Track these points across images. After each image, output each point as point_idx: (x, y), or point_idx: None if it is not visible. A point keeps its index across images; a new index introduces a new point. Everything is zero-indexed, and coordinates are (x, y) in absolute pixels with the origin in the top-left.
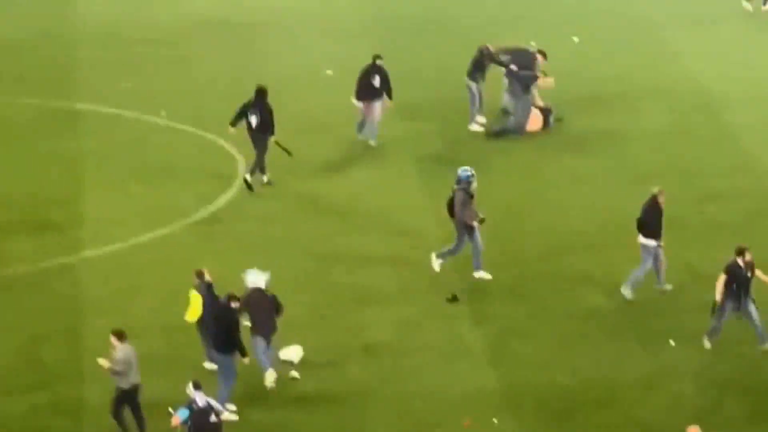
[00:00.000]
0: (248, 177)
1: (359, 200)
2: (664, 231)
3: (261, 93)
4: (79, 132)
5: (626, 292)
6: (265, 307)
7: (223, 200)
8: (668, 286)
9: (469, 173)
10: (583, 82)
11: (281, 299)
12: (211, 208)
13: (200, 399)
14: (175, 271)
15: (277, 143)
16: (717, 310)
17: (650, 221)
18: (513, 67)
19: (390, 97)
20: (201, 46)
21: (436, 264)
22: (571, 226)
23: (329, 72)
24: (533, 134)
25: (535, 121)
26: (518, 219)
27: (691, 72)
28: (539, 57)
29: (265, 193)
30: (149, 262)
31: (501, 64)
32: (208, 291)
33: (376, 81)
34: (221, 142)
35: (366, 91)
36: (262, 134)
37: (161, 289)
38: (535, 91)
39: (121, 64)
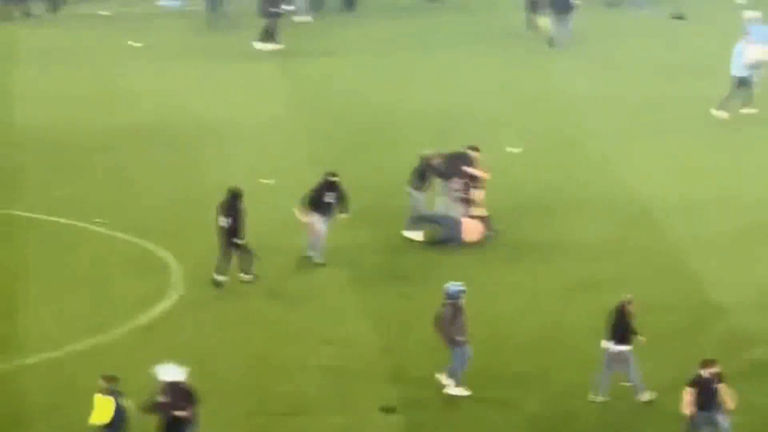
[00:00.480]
0: (217, 277)
1: (293, 310)
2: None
3: (234, 196)
4: (14, 239)
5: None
6: (183, 400)
7: (158, 308)
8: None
9: (459, 288)
10: (517, 192)
11: (216, 408)
12: (146, 316)
13: None
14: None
15: (244, 247)
16: (689, 425)
17: (620, 328)
18: (454, 185)
19: (346, 211)
20: (136, 154)
21: (453, 389)
22: (505, 335)
23: (268, 181)
24: (471, 244)
25: (473, 231)
26: None
27: (626, 182)
28: (473, 153)
29: (199, 302)
30: (85, 370)
31: (441, 175)
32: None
33: (327, 197)
34: (156, 249)
35: (316, 207)
36: (231, 237)
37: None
38: (475, 199)
39: (56, 171)
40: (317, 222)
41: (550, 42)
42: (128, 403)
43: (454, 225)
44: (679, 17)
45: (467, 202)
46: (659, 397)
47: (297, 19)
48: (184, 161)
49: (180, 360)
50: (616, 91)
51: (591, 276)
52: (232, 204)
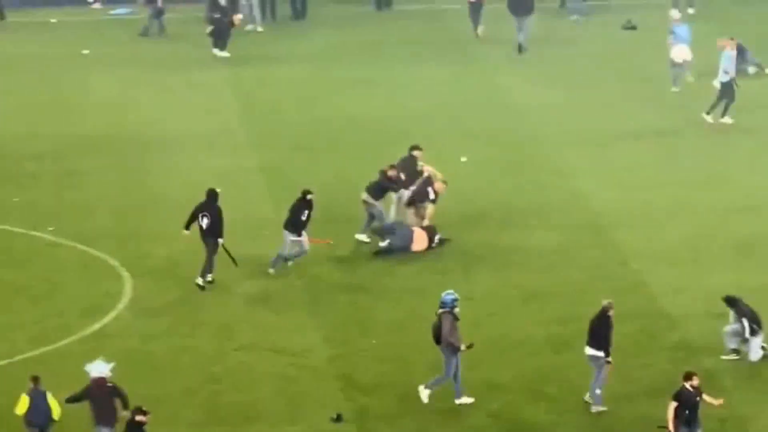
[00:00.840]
0: (200, 281)
1: (245, 318)
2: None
3: (212, 196)
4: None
5: (596, 408)
6: (106, 397)
7: (108, 316)
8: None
9: (453, 296)
10: (469, 201)
11: (167, 417)
12: (97, 324)
13: None
14: (61, 387)
15: (224, 248)
16: None
17: (599, 334)
18: (406, 193)
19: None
20: (88, 162)
21: (425, 395)
22: None
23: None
24: (419, 254)
25: (420, 241)
26: (406, 336)
27: (579, 190)
28: (417, 153)
29: (150, 310)
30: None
31: (398, 186)
32: (37, 394)
33: (304, 215)
34: (108, 259)
35: (296, 227)
36: (212, 237)
37: None
38: (425, 211)
39: (8, 179)
40: (305, 240)
41: (520, 48)
42: (52, 399)
43: (407, 235)
44: (631, 28)
45: (420, 213)
46: (613, 408)
47: (248, 27)
48: (134, 169)
49: (130, 368)
50: (568, 99)
51: (542, 286)
52: (211, 204)
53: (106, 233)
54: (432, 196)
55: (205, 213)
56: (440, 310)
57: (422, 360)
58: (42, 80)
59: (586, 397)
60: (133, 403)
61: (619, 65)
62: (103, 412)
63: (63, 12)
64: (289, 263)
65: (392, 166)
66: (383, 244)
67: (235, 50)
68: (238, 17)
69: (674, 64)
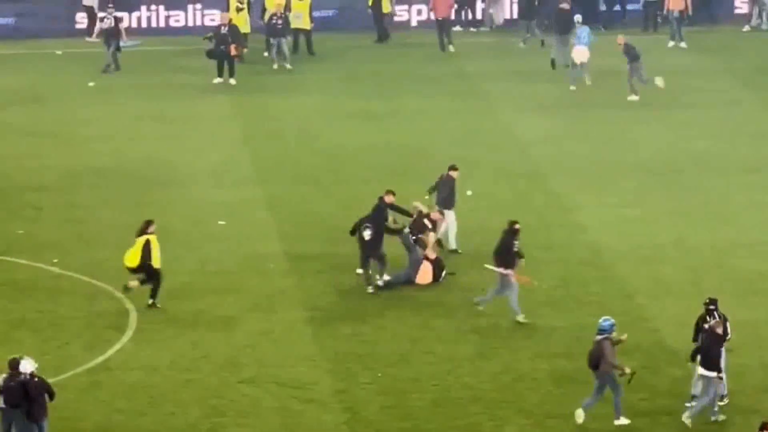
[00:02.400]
0: (379, 282)
1: (249, 351)
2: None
3: (378, 208)
4: None
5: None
6: (40, 393)
7: (113, 349)
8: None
9: (611, 322)
10: (473, 235)
11: None
12: (101, 357)
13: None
14: (62, 419)
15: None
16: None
17: (710, 353)
18: (405, 229)
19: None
20: (92, 195)
21: (581, 416)
22: (461, 380)
23: (222, 222)
24: (424, 287)
25: (425, 275)
26: (410, 369)
27: (582, 225)
28: (454, 173)
29: (154, 343)
30: None
31: (405, 212)
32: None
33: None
34: (113, 291)
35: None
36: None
37: None
38: (427, 239)
39: (12, 211)
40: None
41: (553, 63)
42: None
43: (414, 266)
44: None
45: (422, 243)
46: None
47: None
48: (138, 201)
49: (133, 401)
50: (571, 131)
51: (546, 320)
52: (375, 215)
53: (110, 265)
54: (430, 225)
55: (368, 224)
56: (598, 337)
57: (427, 394)
58: (47, 112)
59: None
60: None
61: (624, 98)
62: (37, 407)
63: (68, 44)
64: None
65: (389, 192)
66: (380, 282)
67: (237, 82)
68: (234, 47)
69: (574, 65)
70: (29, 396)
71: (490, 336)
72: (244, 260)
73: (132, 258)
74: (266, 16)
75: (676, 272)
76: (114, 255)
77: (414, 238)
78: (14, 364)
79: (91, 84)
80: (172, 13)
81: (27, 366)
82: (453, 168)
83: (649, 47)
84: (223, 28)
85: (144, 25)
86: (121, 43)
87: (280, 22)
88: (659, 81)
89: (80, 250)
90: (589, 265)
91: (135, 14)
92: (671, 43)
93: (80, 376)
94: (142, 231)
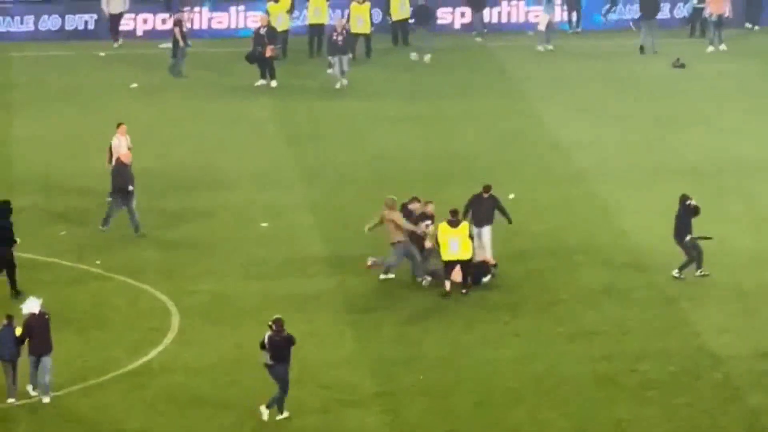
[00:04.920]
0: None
1: (292, 353)
2: None
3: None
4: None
5: None
6: (45, 328)
7: (155, 351)
8: None
9: None
10: (516, 238)
11: None
12: (143, 358)
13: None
14: (103, 422)
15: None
16: None
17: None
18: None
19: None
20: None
21: None
22: (503, 383)
23: (264, 225)
24: (460, 289)
25: (455, 274)
26: (452, 372)
27: (627, 229)
28: (486, 195)
29: (197, 345)
30: (79, 412)
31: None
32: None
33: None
34: (156, 293)
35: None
36: None
37: None
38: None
39: (56, 213)
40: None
41: (642, 49)
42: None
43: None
44: (681, 66)
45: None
46: None
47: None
48: (181, 204)
49: (174, 403)
50: (616, 135)
51: (588, 323)
52: None
53: (153, 267)
54: (430, 221)
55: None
56: None
57: (469, 396)
58: (90, 113)
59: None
60: None
61: (668, 103)
62: (43, 343)
63: (111, 45)
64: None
65: (415, 199)
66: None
67: (281, 83)
68: (271, 48)
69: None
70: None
71: (533, 339)
72: (287, 262)
73: None
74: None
75: (719, 277)
76: (158, 257)
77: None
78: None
79: (133, 86)
80: (215, 14)
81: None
82: (486, 189)
83: (693, 52)
84: (261, 29)
85: (187, 26)
86: (162, 45)
87: (340, 39)
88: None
89: (124, 252)
90: (631, 268)
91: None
92: (710, 48)
93: (123, 378)
94: None
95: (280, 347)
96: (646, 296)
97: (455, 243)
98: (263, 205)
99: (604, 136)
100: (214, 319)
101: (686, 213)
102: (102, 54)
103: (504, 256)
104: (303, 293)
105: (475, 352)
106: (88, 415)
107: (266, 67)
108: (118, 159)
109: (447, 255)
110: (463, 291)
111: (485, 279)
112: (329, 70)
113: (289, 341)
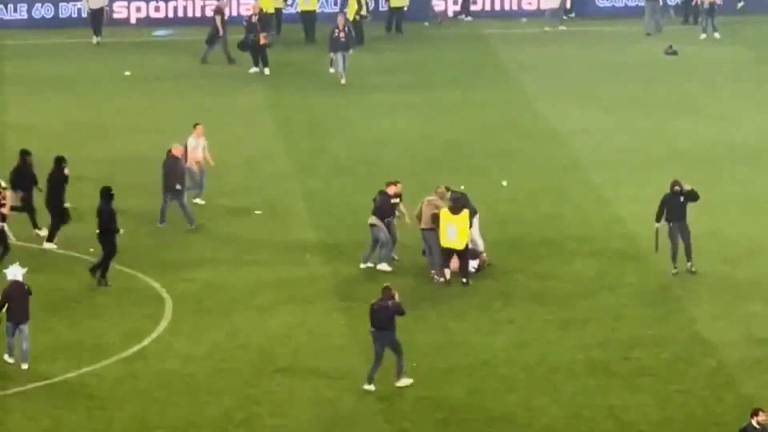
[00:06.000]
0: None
1: (284, 341)
2: None
3: None
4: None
5: None
6: (24, 297)
7: (149, 339)
8: None
9: None
10: (509, 226)
11: None
12: (137, 346)
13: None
14: (98, 408)
15: None
16: None
17: None
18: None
19: None
20: (128, 185)
21: None
22: (496, 370)
23: (258, 212)
24: (457, 277)
25: (453, 261)
26: (445, 360)
27: (620, 217)
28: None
29: (190, 333)
30: (73, 400)
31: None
32: None
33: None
34: (149, 281)
35: None
36: None
37: (84, 428)
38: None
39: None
40: None
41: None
42: None
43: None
44: (673, 53)
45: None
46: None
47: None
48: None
49: (168, 390)
50: (609, 123)
51: (581, 311)
52: None
53: (147, 256)
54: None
55: None
56: None
57: (462, 384)
58: (83, 102)
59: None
60: (171, 426)
61: (662, 89)
62: (21, 311)
63: (105, 33)
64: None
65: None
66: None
67: (272, 71)
68: (264, 36)
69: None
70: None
71: (525, 327)
72: (280, 251)
73: None
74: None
75: (712, 264)
76: (151, 245)
77: (387, 220)
78: None
79: (127, 73)
80: (207, 2)
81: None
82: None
83: (687, 40)
84: (253, 17)
85: (180, 14)
86: (156, 33)
87: (342, 35)
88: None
89: (119, 240)
90: (625, 256)
91: (171, 3)
92: (703, 36)
93: (117, 366)
94: None
95: (383, 315)
96: (640, 283)
97: (453, 230)
98: (257, 193)
99: (597, 123)
100: (207, 307)
101: (674, 199)
102: (95, 42)
103: (497, 244)
104: (296, 281)
105: (468, 340)
106: (81, 402)
107: (259, 55)
108: (169, 153)
109: (444, 242)
110: (464, 280)
111: (473, 264)
112: (331, 69)
113: (394, 310)
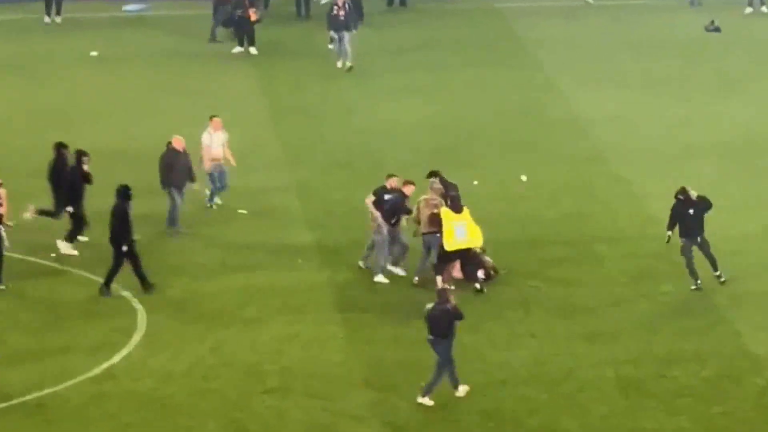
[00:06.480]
0: None
1: (274, 357)
2: None
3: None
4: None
5: None
6: None
7: (119, 355)
8: None
9: None
10: (529, 227)
11: None
12: (105, 363)
13: None
14: None
15: None
16: None
17: None
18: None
19: None
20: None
21: None
22: (516, 390)
23: (243, 211)
24: (470, 285)
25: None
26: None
27: (654, 214)
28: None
29: (167, 349)
30: (31, 425)
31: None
32: None
33: None
34: (119, 288)
35: None
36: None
37: None
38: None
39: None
40: None
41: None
42: None
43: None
44: (715, 29)
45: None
46: None
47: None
48: (151, 189)
49: (142, 414)
50: (642, 108)
51: (612, 322)
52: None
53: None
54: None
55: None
56: None
57: (476, 405)
58: (46, 85)
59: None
60: None
61: (701, 70)
62: None
63: (66, 8)
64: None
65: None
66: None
67: (261, 53)
68: (254, 11)
69: None
70: None
71: (548, 340)
72: (270, 254)
73: None
74: None
75: (761, 269)
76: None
77: (394, 220)
78: None
79: (93, 53)
80: None
81: None
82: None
83: (731, 14)
84: None
85: None
86: (126, 8)
87: (342, 13)
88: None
89: (83, 243)
90: (661, 260)
91: None
92: (749, 10)
93: (83, 386)
94: None
95: (439, 320)
96: (678, 291)
97: (462, 229)
98: (243, 188)
99: (627, 108)
100: (186, 318)
101: (683, 209)
102: (58, 19)
103: (515, 246)
104: (288, 288)
105: (483, 356)
106: (41, 428)
107: (244, 33)
108: (169, 145)
109: (454, 244)
110: (477, 286)
111: (480, 273)
112: (330, 45)
113: (451, 314)
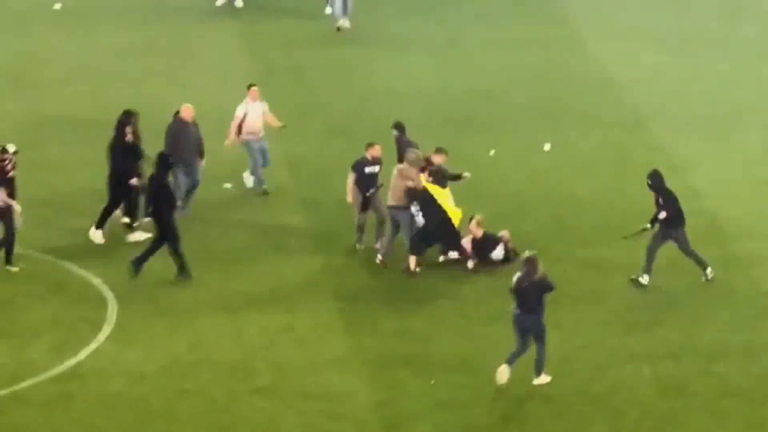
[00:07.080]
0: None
1: (264, 353)
2: None
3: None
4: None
5: None
6: None
7: (86, 351)
8: None
9: None
10: (555, 203)
11: None
12: (71, 360)
13: None
14: None
15: None
16: None
17: None
18: None
19: None
20: (61, 151)
21: None
22: (539, 389)
23: (228, 185)
24: (487, 270)
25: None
26: (472, 376)
27: (697, 189)
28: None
29: (141, 344)
30: None
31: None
32: None
33: None
34: (87, 275)
35: None
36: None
37: None
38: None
39: None
40: None
41: None
42: None
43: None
44: None
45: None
46: None
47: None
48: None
49: (112, 418)
50: (683, 69)
51: (648, 311)
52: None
53: (85, 244)
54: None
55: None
56: None
57: (494, 408)
58: (1, 43)
59: None
60: None
61: (749, 29)
62: None
63: None
64: None
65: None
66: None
67: (247, 4)
68: None
69: None
70: None
71: (577, 333)
72: (258, 235)
73: None
74: None
75: None
76: (83, 223)
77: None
78: None
79: (57, 6)
80: None
81: None
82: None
83: None
84: None
85: None
86: None
87: None
88: None
89: (45, 224)
90: (704, 241)
91: None
92: None
93: (44, 386)
94: None
95: (528, 293)
96: (724, 278)
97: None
98: (228, 161)
99: (666, 68)
100: (163, 310)
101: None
102: None
103: (539, 226)
104: (279, 274)
105: (500, 350)
106: (4, 429)
107: None
108: (176, 115)
109: (458, 214)
110: (469, 265)
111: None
112: (327, 9)
113: (541, 286)
